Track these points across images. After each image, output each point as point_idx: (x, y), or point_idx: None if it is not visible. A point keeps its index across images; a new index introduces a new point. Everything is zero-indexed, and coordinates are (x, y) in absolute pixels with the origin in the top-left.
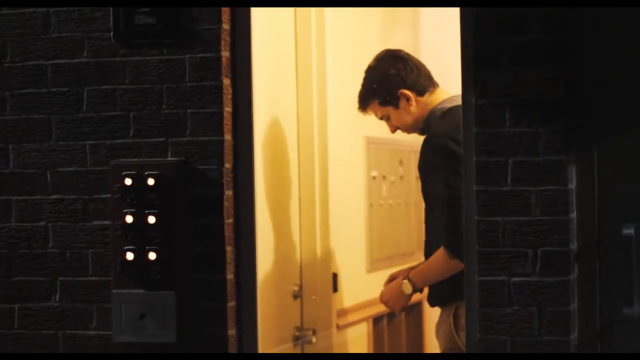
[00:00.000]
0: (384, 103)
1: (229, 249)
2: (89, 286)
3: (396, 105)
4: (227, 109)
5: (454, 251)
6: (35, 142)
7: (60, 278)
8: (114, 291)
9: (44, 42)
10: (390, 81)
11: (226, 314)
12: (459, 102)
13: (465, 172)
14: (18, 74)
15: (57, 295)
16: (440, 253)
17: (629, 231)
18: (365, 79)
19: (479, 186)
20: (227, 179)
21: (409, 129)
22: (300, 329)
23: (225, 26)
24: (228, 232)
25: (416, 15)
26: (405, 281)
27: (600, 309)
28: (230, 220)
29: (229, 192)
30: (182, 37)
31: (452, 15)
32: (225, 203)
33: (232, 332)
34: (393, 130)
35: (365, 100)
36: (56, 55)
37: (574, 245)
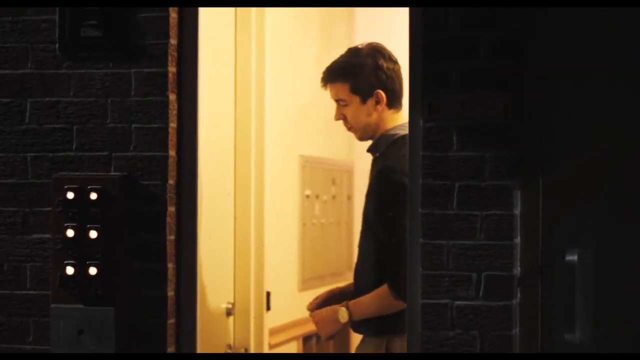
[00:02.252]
0: (355, 90)
1: (170, 265)
2: (27, 300)
3: (364, 100)
4: (172, 125)
5: (399, 293)
6: None
7: None
8: (53, 305)
9: None
10: (376, 75)
11: (166, 330)
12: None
13: (411, 195)
14: None
15: None
16: (383, 291)
17: (572, 257)
18: (349, 56)
19: (424, 209)
20: (171, 195)
21: (356, 129)
22: (232, 347)
23: (173, 41)
24: (170, 248)
25: (352, 36)
26: (343, 309)
27: (542, 334)
28: (172, 237)
29: (171, 209)
30: (128, 51)
31: (388, 35)
32: (168, 219)
33: (171, 349)
34: (340, 118)
35: (336, 76)
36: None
37: (517, 270)
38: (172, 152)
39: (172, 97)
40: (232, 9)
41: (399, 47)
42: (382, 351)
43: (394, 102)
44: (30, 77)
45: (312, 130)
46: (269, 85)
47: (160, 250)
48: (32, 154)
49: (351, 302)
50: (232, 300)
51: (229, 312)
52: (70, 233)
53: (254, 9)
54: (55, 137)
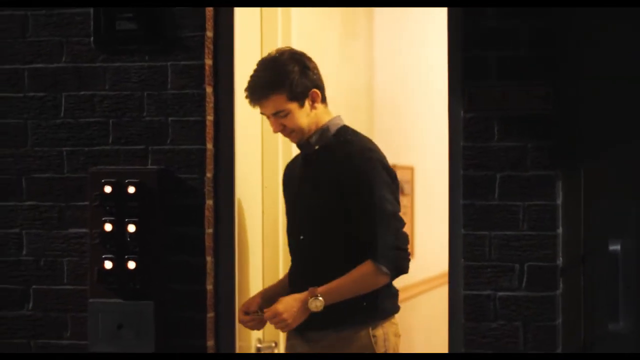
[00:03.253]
0: (292, 98)
1: (208, 259)
2: (64, 295)
3: (302, 104)
4: (209, 118)
5: (389, 265)
6: (10, 148)
7: (33, 286)
8: (91, 300)
9: (21, 45)
10: (307, 76)
11: (205, 324)
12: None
13: (452, 186)
14: None
15: (30, 304)
16: (366, 269)
17: (615, 247)
18: (273, 68)
19: (465, 200)
20: (208, 188)
21: (297, 132)
22: (261, 341)
23: (209, 33)
24: (208, 242)
25: (371, 27)
26: (317, 299)
27: (585, 324)
28: (210, 230)
29: (209, 202)
30: (164, 44)
31: (406, 27)
32: (206, 213)
33: (210, 343)
34: (279, 129)
35: (269, 91)
36: (33, 60)
37: (560, 261)
38: (209, 145)
39: (209, 89)
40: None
41: (420, 38)
42: (369, 341)
43: (324, 97)
44: (65, 71)
45: None
46: None
47: (198, 244)
48: (68, 148)
49: (321, 289)
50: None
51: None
52: (108, 227)
53: (280, 11)
54: (91, 131)
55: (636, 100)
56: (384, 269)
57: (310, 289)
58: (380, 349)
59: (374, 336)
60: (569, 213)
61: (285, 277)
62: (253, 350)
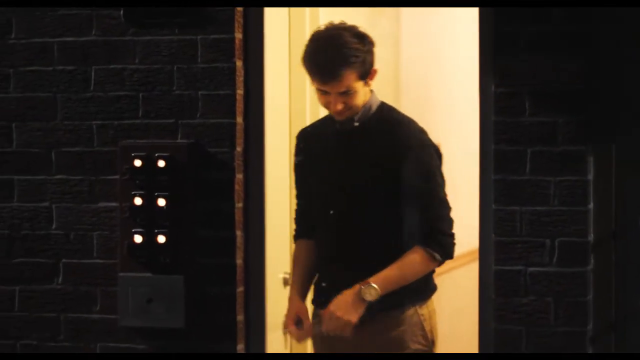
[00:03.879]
0: (360, 76)
1: (238, 233)
2: (94, 269)
3: (365, 82)
4: (239, 92)
5: (441, 252)
6: (40, 121)
7: (63, 260)
8: (121, 274)
9: (51, 19)
10: (371, 54)
11: (235, 299)
12: None
13: (483, 161)
14: (23, 51)
15: (60, 278)
16: (418, 255)
17: None
18: (341, 45)
19: (496, 175)
20: (238, 162)
21: (351, 111)
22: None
23: (239, 7)
24: (238, 216)
25: (399, 23)
26: (368, 286)
27: (616, 300)
28: (241, 205)
29: (239, 176)
30: (194, 18)
31: (431, 27)
32: (236, 187)
33: (240, 317)
34: (340, 108)
35: (343, 68)
36: (63, 33)
37: (591, 236)
38: (239, 119)
39: (239, 63)
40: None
41: (446, 13)
42: (418, 319)
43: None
44: (95, 45)
45: None
46: None
47: (228, 218)
48: (98, 122)
49: (373, 279)
50: (288, 270)
51: (285, 282)
52: (138, 201)
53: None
54: (121, 104)
55: None
56: (437, 256)
57: (363, 281)
58: (427, 327)
59: (422, 314)
60: (600, 188)
61: (305, 266)
62: (280, 326)
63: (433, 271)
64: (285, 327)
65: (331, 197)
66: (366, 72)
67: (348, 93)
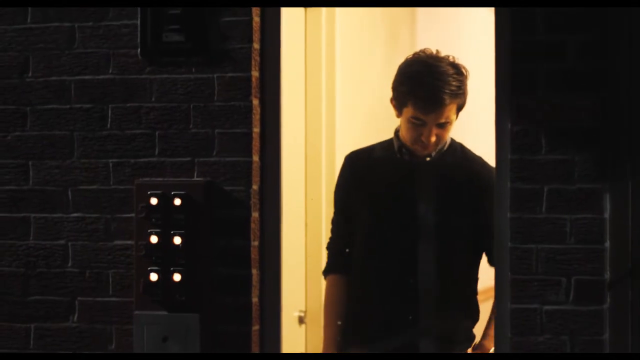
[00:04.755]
0: (459, 108)
1: (254, 271)
2: (109, 307)
3: (461, 109)
4: (256, 130)
5: None
6: (57, 159)
7: (79, 298)
8: (137, 312)
9: (68, 57)
10: (466, 85)
11: (251, 337)
12: None
13: (499, 198)
14: (40, 89)
15: (76, 316)
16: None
17: None
18: (451, 76)
19: (513, 213)
20: (255, 200)
21: (436, 145)
22: None
23: (256, 45)
24: (254, 254)
25: (414, 39)
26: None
27: (632, 338)
28: (257, 243)
29: (255, 214)
30: (211, 56)
31: (449, 36)
32: (252, 225)
33: None
34: (434, 140)
35: (451, 99)
36: (81, 71)
37: (607, 274)
38: (255, 157)
39: (255, 101)
40: (302, 13)
41: (461, 51)
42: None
43: None
44: (112, 83)
45: (381, 132)
46: (338, 88)
47: (244, 257)
48: (114, 160)
49: (487, 341)
50: (303, 309)
51: (301, 320)
52: (154, 239)
53: (324, 13)
54: (137, 142)
55: None
56: None
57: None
58: None
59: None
60: (616, 226)
61: (343, 304)
62: None
63: None
64: None
65: (395, 230)
66: (463, 104)
67: (444, 125)
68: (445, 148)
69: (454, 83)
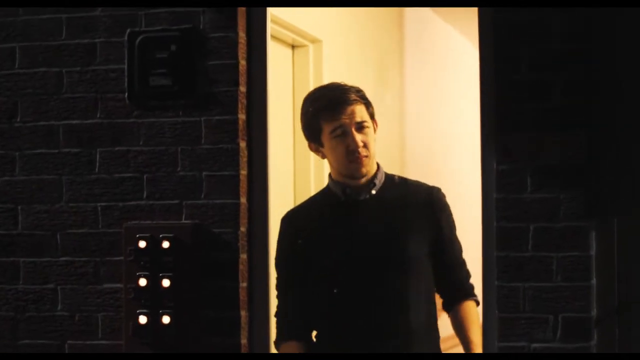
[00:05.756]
0: (369, 114)
1: (243, 313)
2: (99, 350)
3: (373, 127)
4: (243, 172)
5: (477, 297)
6: (45, 203)
7: (69, 341)
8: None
9: (56, 102)
10: (373, 108)
11: None
12: None
13: (485, 237)
14: (28, 134)
15: None
16: (473, 307)
17: None
18: (345, 85)
19: (499, 252)
20: (242, 242)
21: (368, 159)
22: None
23: (242, 88)
24: (242, 296)
25: (402, 77)
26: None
27: None
28: (245, 284)
29: (243, 256)
30: (198, 99)
31: (436, 80)
32: (240, 266)
33: None
34: (360, 145)
35: (355, 97)
36: (69, 116)
37: (594, 312)
38: (243, 199)
39: (243, 144)
40: (290, 52)
41: (449, 91)
42: None
43: None
44: (100, 127)
45: None
46: None
47: (232, 298)
48: (103, 204)
49: (473, 347)
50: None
51: None
52: (142, 282)
53: (311, 51)
54: (125, 186)
55: None
56: (478, 302)
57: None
58: None
59: None
60: (602, 264)
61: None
62: None
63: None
64: None
65: (349, 274)
66: (373, 114)
67: (364, 127)
68: (383, 180)
69: (354, 90)
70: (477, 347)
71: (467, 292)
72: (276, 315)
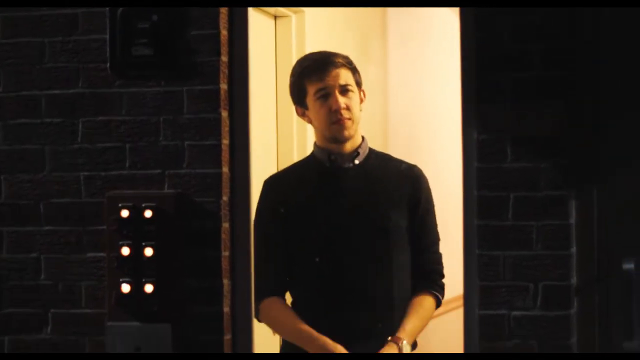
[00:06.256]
0: (355, 80)
1: (225, 281)
2: (82, 318)
3: (359, 94)
4: (225, 142)
5: (442, 296)
6: (29, 173)
7: (52, 310)
8: (109, 324)
9: (39, 72)
10: (359, 74)
11: (222, 346)
12: None
13: (466, 206)
14: (11, 104)
15: (49, 328)
16: (430, 302)
17: (629, 266)
18: (330, 52)
19: (480, 220)
20: (225, 211)
21: (353, 121)
22: None
23: (224, 58)
24: (225, 264)
25: (385, 51)
26: (406, 344)
27: (599, 342)
28: (227, 253)
29: (226, 225)
30: (180, 69)
31: (419, 54)
32: (223, 236)
33: None
34: (343, 107)
35: (344, 63)
36: (51, 86)
37: (574, 280)
38: (225, 169)
39: (224, 113)
40: (272, 22)
41: (432, 62)
42: None
43: None
44: (82, 97)
45: None
46: None
47: (215, 267)
48: (85, 173)
49: (403, 334)
50: None
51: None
52: (125, 251)
53: (294, 22)
54: (108, 155)
55: None
56: (441, 300)
57: (394, 337)
58: None
59: None
60: (582, 232)
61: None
62: None
63: None
64: None
65: (331, 242)
66: (359, 81)
67: (348, 90)
68: (367, 152)
69: (342, 56)
70: (405, 334)
71: (429, 285)
72: (257, 271)
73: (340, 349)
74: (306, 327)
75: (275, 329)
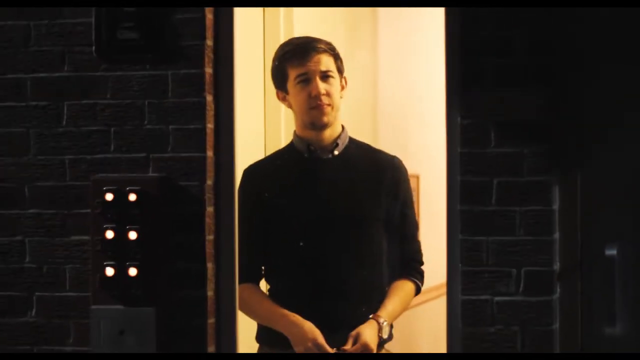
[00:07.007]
0: (337, 67)
1: (209, 265)
2: (66, 302)
3: (340, 81)
4: (210, 126)
5: (421, 283)
6: (13, 156)
7: (36, 293)
8: (93, 307)
9: (24, 55)
10: (342, 63)
11: (206, 330)
12: None
13: (449, 192)
14: None
15: (34, 311)
16: (410, 287)
17: (611, 251)
18: (315, 37)
19: (463, 205)
20: (209, 195)
21: (333, 108)
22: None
23: (209, 42)
24: (209, 248)
25: (375, 35)
26: (386, 324)
27: (582, 328)
28: (211, 237)
29: (210, 209)
30: (165, 53)
31: (410, 35)
32: (207, 220)
33: (211, 348)
34: (323, 93)
35: (322, 47)
36: (36, 69)
37: (557, 265)
38: (209, 153)
39: (209, 98)
40: (260, 12)
41: (422, 47)
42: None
43: None
44: (67, 80)
45: None
46: None
47: (199, 251)
48: (70, 157)
49: (384, 314)
50: None
51: None
52: (109, 234)
53: (282, 12)
54: (93, 139)
55: (633, 107)
56: (420, 287)
57: (374, 315)
58: None
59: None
60: (565, 218)
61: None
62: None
63: None
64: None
65: (310, 232)
66: (340, 67)
67: (329, 76)
68: (346, 142)
69: (325, 42)
70: (386, 313)
71: (409, 273)
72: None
73: (309, 325)
74: (278, 308)
75: (248, 312)
